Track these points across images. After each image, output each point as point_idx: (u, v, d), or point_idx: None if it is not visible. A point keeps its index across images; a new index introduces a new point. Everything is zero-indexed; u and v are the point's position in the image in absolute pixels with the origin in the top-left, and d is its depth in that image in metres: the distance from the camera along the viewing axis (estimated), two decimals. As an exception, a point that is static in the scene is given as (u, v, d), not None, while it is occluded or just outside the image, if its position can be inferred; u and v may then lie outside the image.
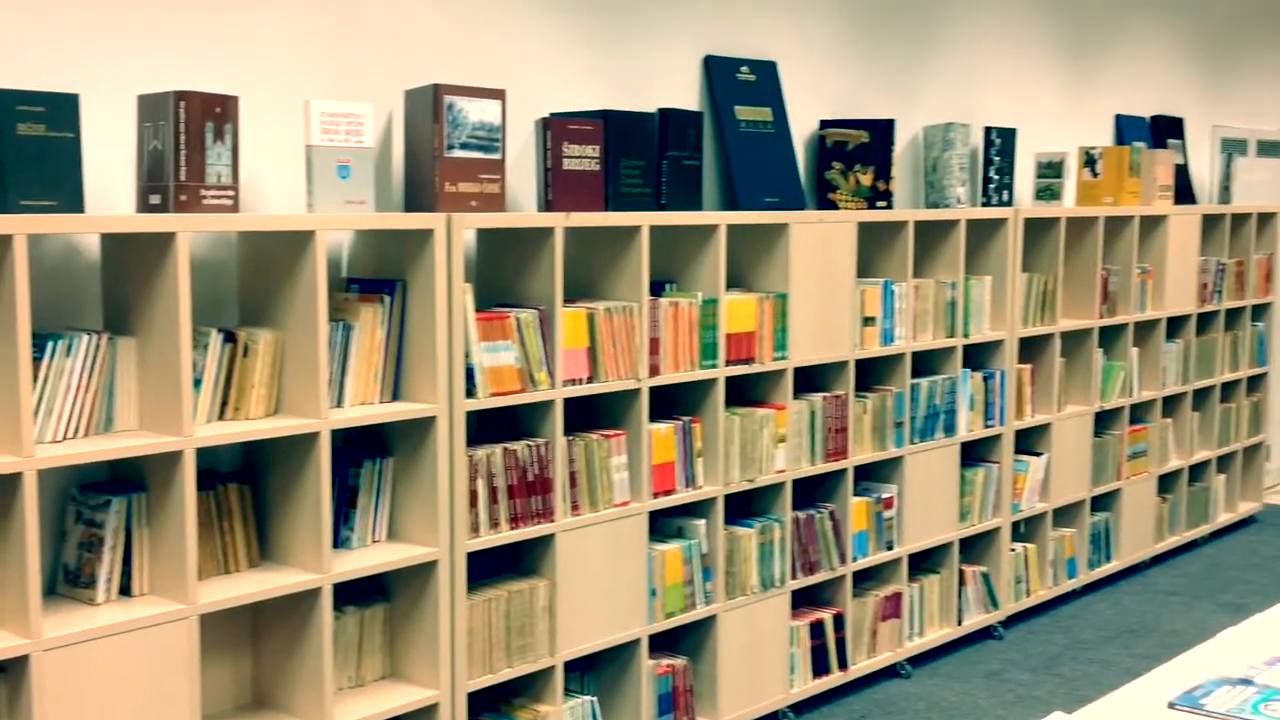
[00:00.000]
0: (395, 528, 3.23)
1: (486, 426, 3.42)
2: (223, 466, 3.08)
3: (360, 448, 3.21)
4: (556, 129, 3.52)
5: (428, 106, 3.23)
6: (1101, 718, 1.96)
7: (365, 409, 3.07)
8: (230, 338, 2.88)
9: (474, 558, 3.30)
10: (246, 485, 3.01)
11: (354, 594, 3.22)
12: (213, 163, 2.77)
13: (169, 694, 2.67)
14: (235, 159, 2.80)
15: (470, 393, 3.21)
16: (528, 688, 3.50)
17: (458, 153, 3.24)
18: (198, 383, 2.80)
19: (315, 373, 2.90)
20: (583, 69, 3.93)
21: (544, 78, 3.81)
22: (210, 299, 3.06)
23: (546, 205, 3.54)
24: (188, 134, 2.72)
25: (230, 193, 2.80)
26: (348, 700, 3.09)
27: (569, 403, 3.54)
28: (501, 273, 3.51)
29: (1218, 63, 7.08)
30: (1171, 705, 2.00)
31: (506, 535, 3.33)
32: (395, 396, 3.19)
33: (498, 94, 3.32)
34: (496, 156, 3.31)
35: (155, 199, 2.76)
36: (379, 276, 3.23)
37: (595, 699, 3.62)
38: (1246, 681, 2.08)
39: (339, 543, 3.14)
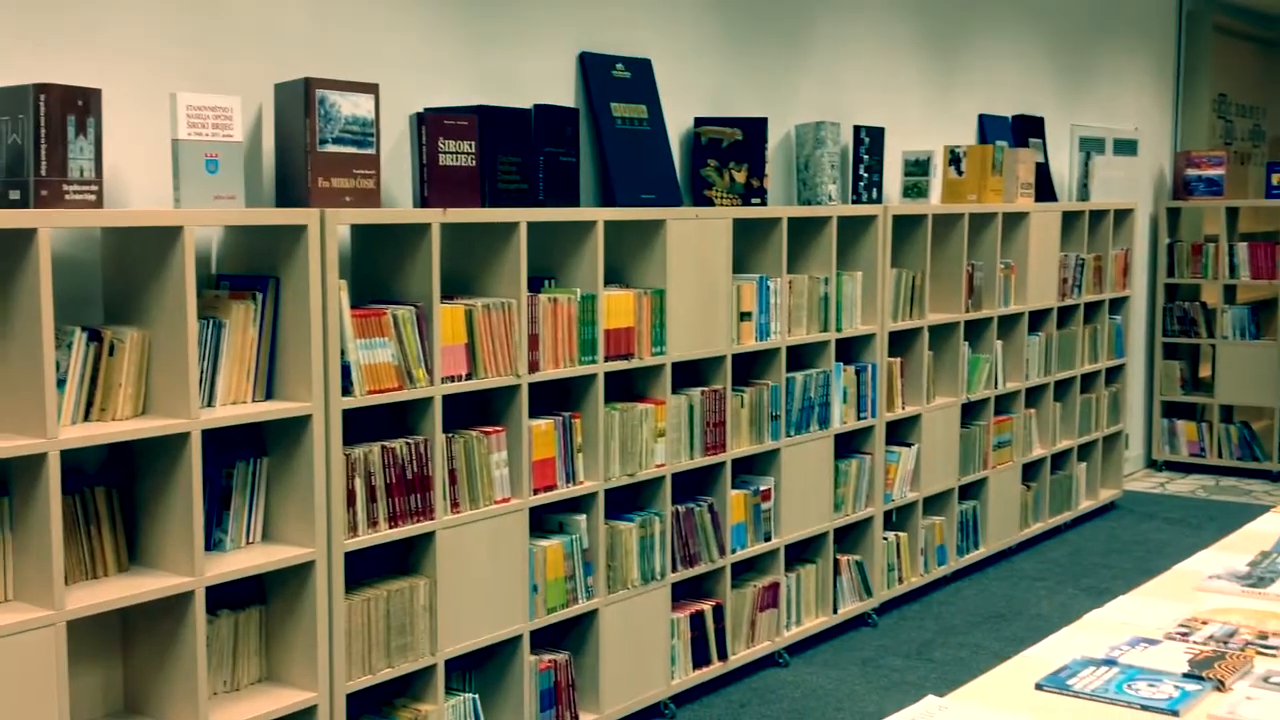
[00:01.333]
0: (271, 529, 3.18)
1: (364, 425, 3.38)
2: (89, 468, 2.99)
3: (234, 448, 3.15)
4: (432, 124, 3.49)
5: (299, 100, 3.18)
6: (972, 700, 2.02)
7: (237, 408, 3.01)
8: (95, 336, 2.80)
9: (352, 557, 3.25)
10: (114, 487, 2.92)
11: (229, 597, 3.16)
12: (75, 157, 2.68)
13: (37, 703, 2.59)
14: (99, 153, 2.72)
15: (346, 391, 3.17)
16: (409, 687, 3.47)
17: (330, 148, 3.20)
18: (61, 383, 2.72)
19: (185, 372, 2.83)
20: (457, 65, 3.91)
21: (418, 73, 3.78)
22: (74, 297, 2.97)
23: (423, 201, 3.51)
24: (48, 128, 2.63)
25: (93, 188, 2.72)
26: (223, 705, 3.03)
27: (448, 400, 3.52)
28: (378, 269, 3.47)
29: (1075, 64, 7.33)
30: (1039, 686, 2.07)
31: (385, 534, 3.29)
32: (269, 395, 3.13)
33: (371, 88, 3.28)
34: (370, 151, 3.28)
35: (15, 194, 2.67)
36: (251, 273, 3.17)
37: (477, 696, 3.61)
38: (1110, 662, 2.16)
39: (212, 545, 3.07)
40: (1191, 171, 7.95)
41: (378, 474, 3.26)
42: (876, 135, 5.39)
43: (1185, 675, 2.08)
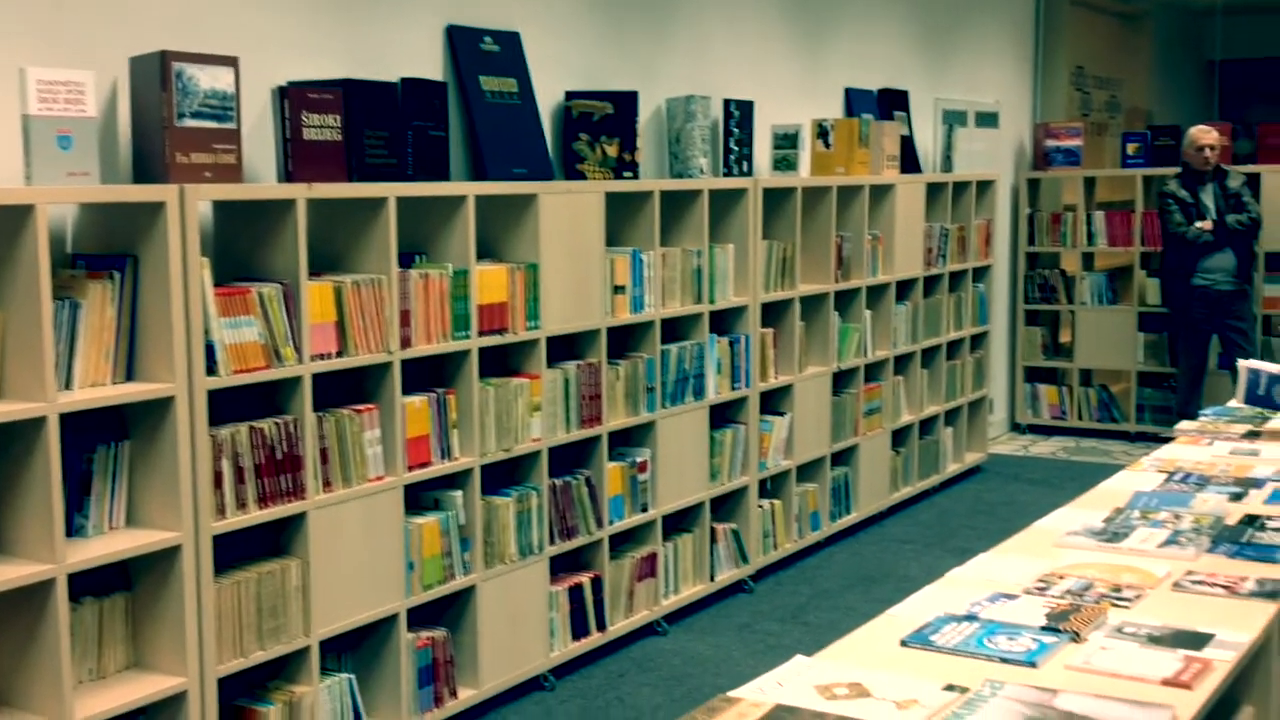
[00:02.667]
0: (135, 513, 3.10)
1: (231, 405, 3.31)
2: (-60, 457, 2.89)
3: (94, 431, 3.06)
4: (295, 98, 3.43)
5: (155, 74, 3.09)
6: (839, 659, 2.07)
7: (97, 390, 2.92)
8: (-57, 319, 2.69)
9: (221, 540, 3.19)
10: (-33, 476, 2.82)
11: (93, 584, 3.07)
12: (-84, 131, 2.57)
13: (-114, 702, 2.49)
14: (-58, 127, 2.61)
15: (211, 370, 3.11)
16: (283, 669, 3.43)
17: (189, 122, 3.12)
18: (-93, 368, 2.61)
19: (40, 354, 2.74)
20: (321, 38, 3.83)
21: (281, 46, 3.70)
22: (-81, 278, 2.85)
23: (287, 176, 3.44)
24: (-114, 100, 2.52)
25: (-63, 164, 2.61)
26: (89, 693, 2.96)
27: (318, 378, 3.46)
28: (242, 246, 3.40)
29: (938, 39, 7.48)
30: (903, 643, 2.13)
31: (255, 516, 3.24)
32: (130, 377, 3.05)
33: (230, 61, 3.20)
34: (231, 126, 3.20)
35: None
36: (108, 252, 3.07)
37: (353, 676, 3.57)
38: (971, 617, 2.24)
39: (73, 531, 2.99)
40: (1050, 143, 8.19)
41: (246, 455, 3.20)
42: (746, 109, 5.44)
43: (1043, 628, 2.16)
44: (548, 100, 4.63)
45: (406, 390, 3.70)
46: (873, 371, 6.19)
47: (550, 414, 4.17)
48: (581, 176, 4.60)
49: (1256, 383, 3.09)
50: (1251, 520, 2.80)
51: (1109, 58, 9.77)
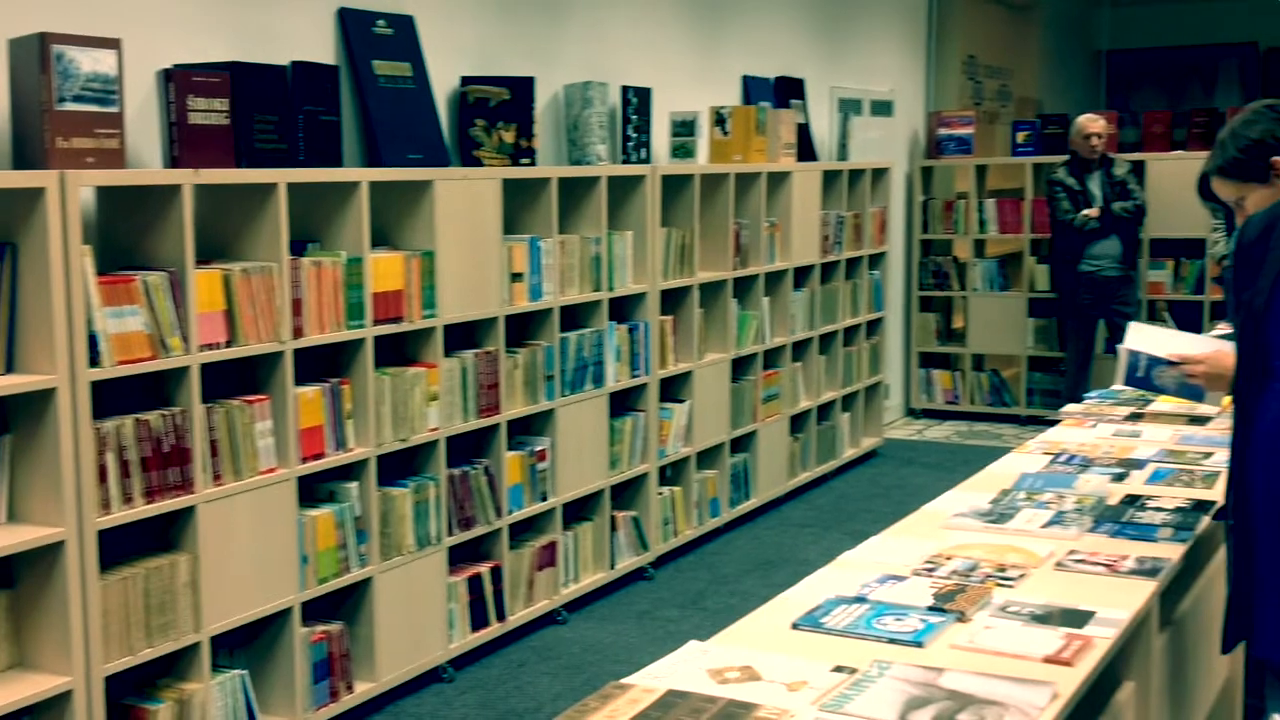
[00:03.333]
0: (16, 508, 3.01)
1: (116, 396, 3.23)
2: None
3: (-29, 426, 2.97)
4: (180, 81, 3.35)
5: (34, 57, 3.00)
6: (732, 643, 2.09)
7: (-26, 383, 2.83)
8: None
9: (107, 535, 3.11)
10: None
11: (-29, 583, 2.98)
12: None
13: None
14: None
15: (94, 361, 3.03)
16: (173, 667, 3.36)
17: (70, 106, 3.03)
18: None
19: (-88, 346, 2.64)
20: (208, 20, 3.75)
21: (166, 28, 3.61)
22: None
23: (173, 162, 3.37)
24: None
25: None
26: (-32, 697, 2.87)
27: (207, 368, 3.39)
28: (126, 234, 3.31)
29: (834, 28, 7.55)
30: (795, 625, 2.15)
31: (142, 510, 3.16)
32: (10, 368, 2.96)
33: (113, 43, 3.11)
34: (114, 110, 3.12)
35: None
36: (-16, 239, 2.98)
37: (246, 673, 3.51)
38: (861, 599, 2.27)
39: (-50, 529, 2.89)
40: (943, 131, 8.33)
41: (131, 448, 3.13)
42: (644, 96, 5.45)
43: (930, 608, 2.21)
44: (443, 85, 4.58)
45: (299, 380, 3.64)
46: (771, 358, 6.25)
47: (448, 403, 4.14)
48: (478, 163, 4.57)
49: (1136, 365, 3.18)
50: (1132, 500, 2.88)
51: (1000, 47, 9.96)
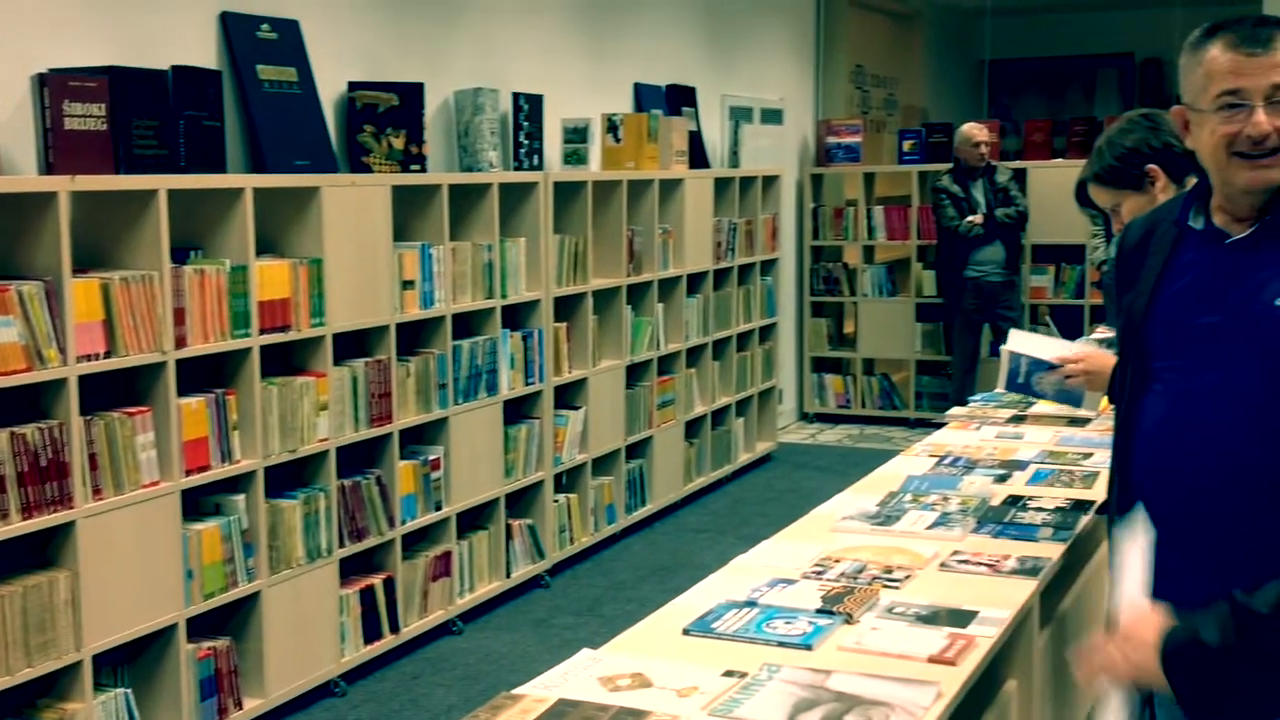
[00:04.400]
0: (-118, 529, 2.90)
1: (-11, 411, 3.13)
2: None
3: None
4: (55, 86, 3.26)
5: (-102, 57, 2.89)
6: (624, 650, 2.09)
7: None
8: None
9: (-20, 554, 3.01)
10: None
11: None
12: None
13: None
14: None
15: (-34, 375, 2.93)
16: (53, 686, 3.26)
17: (-63, 110, 2.93)
18: None
19: None
20: (85, 23, 3.65)
21: (40, 31, 3.51)
22: None
23: (48, 168, 3.27)
24: None
25: None
26: None
27: (85, 380, 3.30)
28: (0, 243, 3.21)
29: (725, 37, 7.62)
30: (686, 632, 2.16)
31: (18, 526, 3.07)
32: (-126, 383, 2.85)
33: (-17, 45, 3.02)
34: (-15, 114, 3.02)
35: None
36: None
37: (130, 691, 3.43)
38: (751, 603, 2.29)
39: None
40: (832, 139, 8.45)
41: (7, 462, 3.03)
42: (535, 102, 5.44)
43: (818, 611, 2.23)
44: (330, 91, 4.52)
45: (183, 391, 3.56)
46: (666, 364, 6.28)
47: (338, 413, 4.08)
48: (367, 169, 4.52)
49: (1017, 370, 3.25)
50: (1014, 501, 2.95)
51: (886, 57, 10.14)
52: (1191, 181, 2.55)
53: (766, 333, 7.46)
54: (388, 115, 4.53)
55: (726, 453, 6.96)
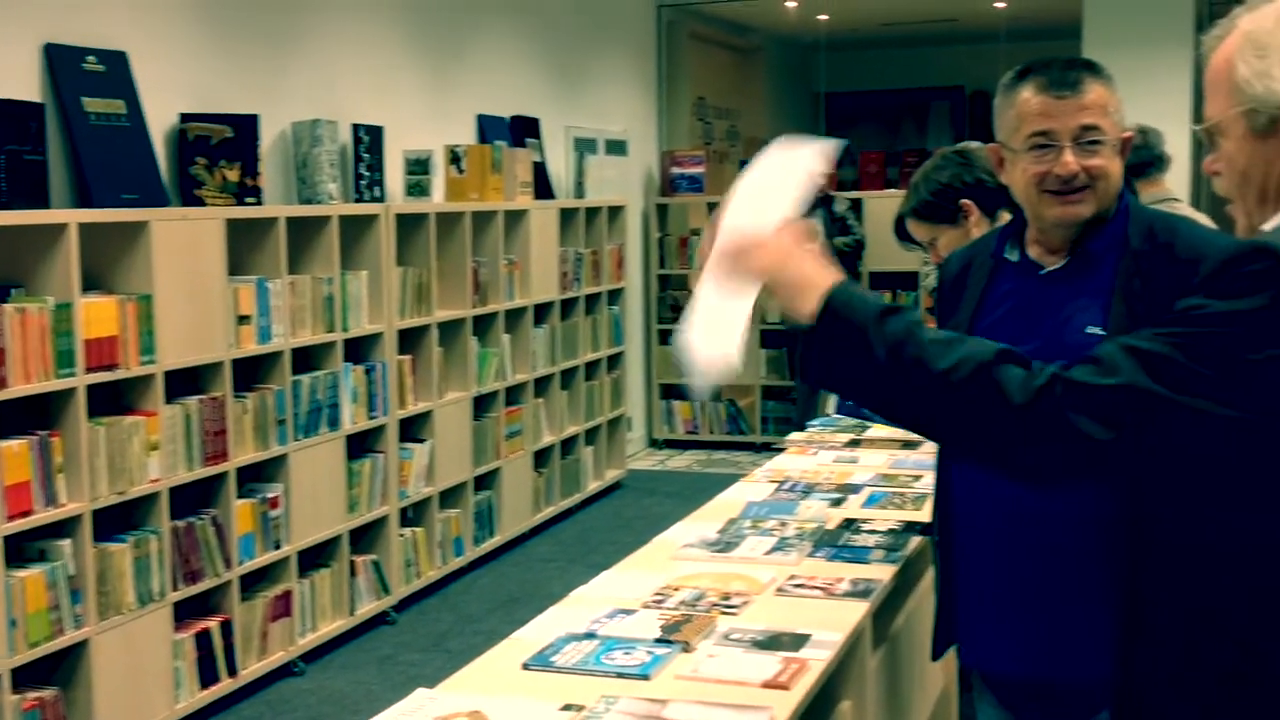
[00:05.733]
0: None
1: None
2: None
3: None
4: None
5: None
6: (461, 688, 2.08)
7: None
8: None
9: None
10: None
11: None
12: None
13: None
14: None
15: None
16: None
17: None
18: None
19: None
20: (-106, 50, 3.50)
21: None
22: None
23: None
24: None
25: None
26: None
27: (-104, 425, 3.15)
28: None
29: (568, 69, 7.68)
30: (525, 666, 2.16)
31: None
32: None
33: None
34: None
35: None
36: None
37: (-52, 750, 3.27)
38: (590, 635, 2.30)
39: None
40: (676, 170, 8.57)
41: None
42: (375, 134, 5.39)
43: (657, 640, 2.25)
44: (160, 123, 4.41)
45: (4, 434, 3.42)
46: (513, 394, 6.26)
47: (170, 452, 3.97)
48: (200, 202, 4.41)
49: (849, 394, 3.35)
50: (849, 524, 3.02)
51: (728, 89, 10.34)
52: (1005, 216, 2.67)
53: (614, 361, 7.50)
54: (221, 147, 4.44)
55: (575, 481, 6.96)
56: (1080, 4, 8.02)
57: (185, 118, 4.45)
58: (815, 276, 1.62)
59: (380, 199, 5.40)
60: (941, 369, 1.50)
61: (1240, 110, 1.44)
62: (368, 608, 5.04)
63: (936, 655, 2.62)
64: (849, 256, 7.68)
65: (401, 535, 5.27)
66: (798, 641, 2.25)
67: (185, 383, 4.15)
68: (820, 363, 1.63)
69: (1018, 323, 2.29)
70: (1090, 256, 2.21)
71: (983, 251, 2.40)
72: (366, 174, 5.35)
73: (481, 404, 5.96)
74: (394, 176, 5.74)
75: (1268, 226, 1.44)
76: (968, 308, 2.41)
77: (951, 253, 2.64)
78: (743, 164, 8.89)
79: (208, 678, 4.15)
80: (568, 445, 6.91)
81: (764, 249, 1.67)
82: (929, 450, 3.73)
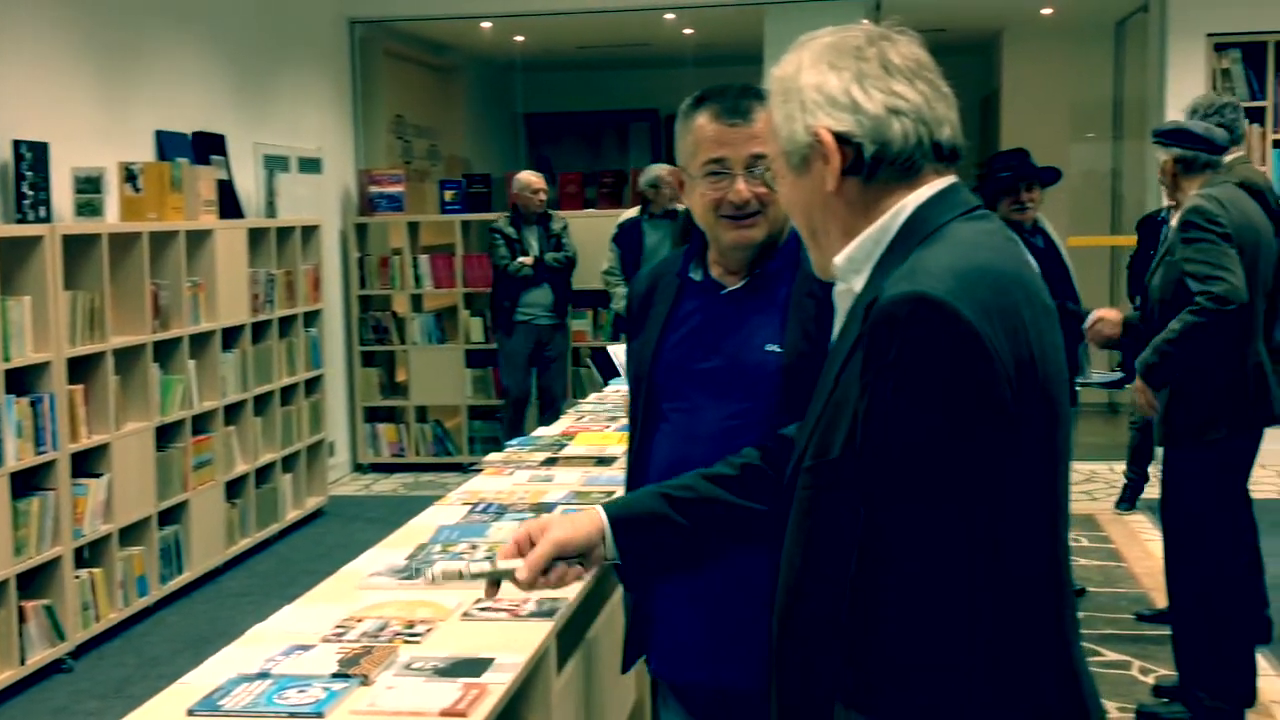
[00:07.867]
0: None
1: None
2: None
3: None
4: None
5: None
6: (117, 741, 1.95)
7: None
8: None
9: None
10: None
11: None
12: None
13: None
14: None
15: None
16: None
17: None
18: None
19: None
20: None
21: None
22: None
23: None
24: None
25: None
26: None
27: None
28: None
29: (256, 84, 7.41)
30: (191, 712, 2.05)
31: None
32: None
33: None
34: None
35: None
36: None
37: None
38: (264, 675, 2.20)
39: None
40: (374, 189, 8.42)
41: None
42: (40, 150, 5.05)
43: (334, 675, 2.18)
44: None
45: None
46: (201, 423, 5.98)
47: None
48: None
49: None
50: (538, 543, 3.02)
51: (428, 108, 10.25)
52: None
53: (313, 385, 7.28)
54: None
55: (273, 511, 6.71)
56: (761, 30, 8.38)
57: None
58: (582, 520, 1.96)
59: (46, 219, 5.06)
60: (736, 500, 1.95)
61: (780, 151, 1.56)
62: (40, 656, 4.69)
63: (626, 667, 2.65)
64: (560, 273, 7.77)
65: (77, 577, 4.93)
66: (480, 666, 2.23)
67: None
68: (642, 564, 2.01)
69: (701, 340, 2.36)
70: (768, 277, 2.30)
71: (669, 271, 2.46)
72: (30, 193, 5.00)
73: (166, 434, 5.67)
74: (63, 196, 5.38)
75: (838, 260, 1.55)
76: (655, 325, 2.47)
77: (640, 271, 2.70)
78: (441, 184, 8.88)
79: None
80: (264, 473, 6.66)
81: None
82: (621, 465, 3.80)
